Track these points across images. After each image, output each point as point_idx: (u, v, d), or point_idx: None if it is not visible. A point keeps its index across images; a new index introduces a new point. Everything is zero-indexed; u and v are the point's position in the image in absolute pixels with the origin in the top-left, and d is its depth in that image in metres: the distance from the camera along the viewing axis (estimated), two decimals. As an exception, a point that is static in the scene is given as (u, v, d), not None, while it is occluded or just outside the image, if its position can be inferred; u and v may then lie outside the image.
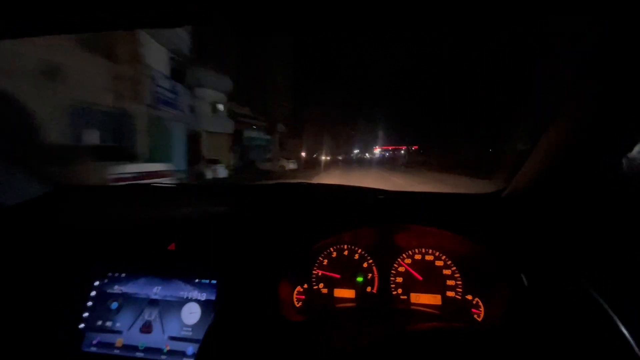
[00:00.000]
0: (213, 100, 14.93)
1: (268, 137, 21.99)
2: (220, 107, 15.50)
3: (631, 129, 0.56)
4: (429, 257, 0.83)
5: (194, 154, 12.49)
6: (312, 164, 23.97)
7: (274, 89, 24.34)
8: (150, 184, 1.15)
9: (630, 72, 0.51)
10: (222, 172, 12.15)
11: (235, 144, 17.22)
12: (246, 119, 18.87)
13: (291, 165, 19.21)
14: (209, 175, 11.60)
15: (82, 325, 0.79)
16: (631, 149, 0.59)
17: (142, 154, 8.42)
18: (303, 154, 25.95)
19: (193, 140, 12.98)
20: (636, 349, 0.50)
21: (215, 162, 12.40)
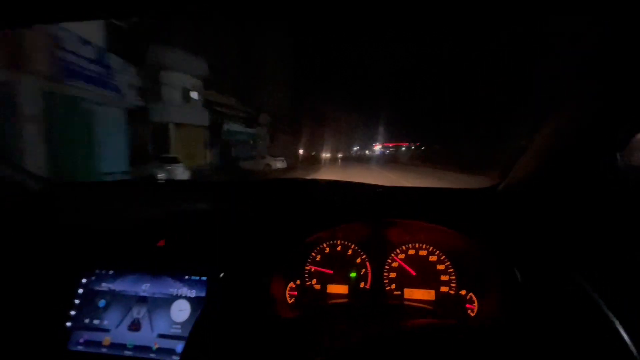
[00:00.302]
0: (184, 86, 12.57)
1: (254, 131, 19.44)
2: (194, 94, 13.21)
3: (628, 127, 0.57)
4: (422, 252, 0.85)
5: (149, 149, 10.49)
6: (307, 162, 23.33)
7: (266, 79, 21.55)
8: (141, 180, 1.16)
9: (630, 72, 0.52)
10: (180, 173, 9.73)
11: (214, 139, 15.05)
12: (228, 109, 16.40)
13: (279, 165, 16.71)
14: (161, 178, 9.00)
15: (68, 324, 0.80)
16: (626, 147, 0.60)
17: (27, 151, 5.66)
18: (301, 151, 25.60)
19: (158, 133, 11.22)
20: (632, 348, 0.51)
21: (171, 160, 10.01)
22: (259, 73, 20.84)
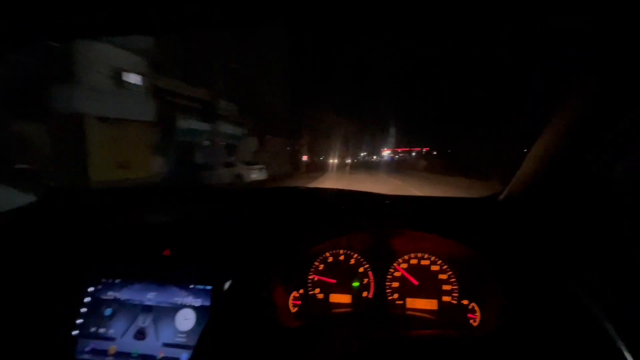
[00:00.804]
0: (114, 65, 9.36)
1: (231, 131, 15.06)
2: (134, 78, 9.95)
3: (629, 130, 0.61)
4: (424, 262, 0.89)
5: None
6: (307, 170, 21.16)
7: (257, 70, 17.10)
8: (145, 187, 1.23)
9: (630, 72, 0.55)
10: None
11: (168, 141, 11.43)
12: (192, 103, 12.56)
13: (254, 175, 12.36)
14: None
15: (75, 332, 0.86)
16: (627, 151, 0.63)
17: None
18: (305, 157, 25.18)
19: (66, 131, 8.14)
20: (629, 358, 0.54)
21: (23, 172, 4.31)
22: (249, 62, 16.27)
